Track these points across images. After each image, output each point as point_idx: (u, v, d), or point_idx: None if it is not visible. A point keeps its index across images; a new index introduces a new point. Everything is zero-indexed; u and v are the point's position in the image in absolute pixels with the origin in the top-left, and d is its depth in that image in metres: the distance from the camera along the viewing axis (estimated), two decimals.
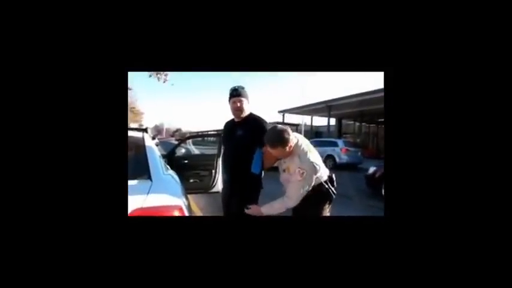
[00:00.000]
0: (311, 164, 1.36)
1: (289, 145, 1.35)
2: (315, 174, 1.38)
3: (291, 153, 1.40)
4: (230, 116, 1.72)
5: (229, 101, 1.63)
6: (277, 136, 1.34)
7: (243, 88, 1.62)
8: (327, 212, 1.50)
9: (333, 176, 1.52)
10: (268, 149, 1.40)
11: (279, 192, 1.49)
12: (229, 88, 1.63)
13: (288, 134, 1.34)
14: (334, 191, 1.48)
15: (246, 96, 1.61)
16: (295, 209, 1.46)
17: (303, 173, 1.33)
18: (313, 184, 1.39)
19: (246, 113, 1.62)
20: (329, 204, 1.50)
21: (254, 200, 1.55)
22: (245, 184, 1.57)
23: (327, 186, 1.45)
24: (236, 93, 1.59)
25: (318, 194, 1.42)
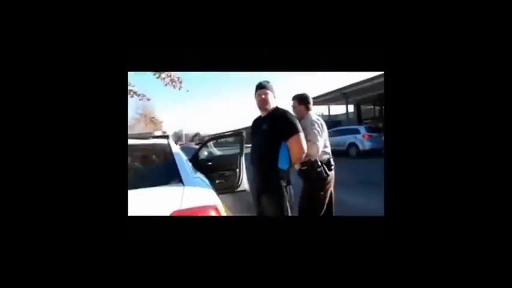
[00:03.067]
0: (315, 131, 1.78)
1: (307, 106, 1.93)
2: (316, 143, 1.73)
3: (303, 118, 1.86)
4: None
5: (255, 95, 1.64)
6: (305, 96, 1.95)
7: (268, 82, 1.64)
8: (326, 193, 1.76)
9: (332, 161, 1.91)
10: (295, 105, 1.93)
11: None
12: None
13: (311, 102, 1.97)
14: (327, 172, 1.80)
15: (271, 89, 1.62)
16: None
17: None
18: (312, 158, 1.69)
19: (271, 106, 1.61)
20: (325, 185, 1.76)
21: (283, 197, 1.51)
22: (272, 180, 1.53)
23: (321, 165, 1.75)
24: (261, 86, 1.62)
25: (312, 171, 1.73)
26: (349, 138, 8.83)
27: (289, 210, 1.50)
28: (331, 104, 17.53)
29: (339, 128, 10.66)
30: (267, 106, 1.61)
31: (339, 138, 9.28)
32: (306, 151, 1.52)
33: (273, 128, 1.54)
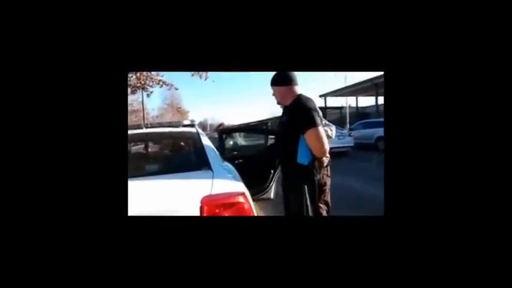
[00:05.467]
0: None
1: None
2: None
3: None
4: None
5: None
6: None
7: (279, 74, 1.49)
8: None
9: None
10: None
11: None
12: None
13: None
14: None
15: (279, 83, 1.49)
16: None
17: None
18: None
19: (289, 99, 1.49)
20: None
21: (302, 194, 1.40)
22: (292, 176, 1.45)
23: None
24: (271, 82, 1.50)
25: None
26: (378, 132, 8.41)
27: (309, 208, 1.40)
28: (360, 95, 16.81)
29: (368, 120, 10.21)
30: (284, 100, 1.51)
31: (366, 131, 8.92)
32: (325, 146, 1.38)
33: (291, 120, 1.44)
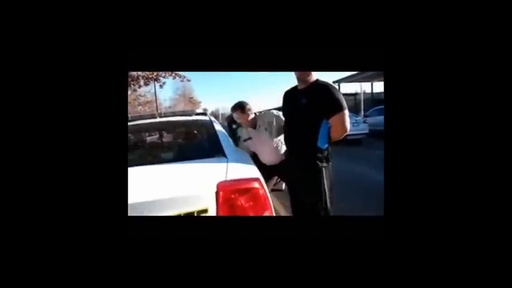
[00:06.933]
0: None
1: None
2: None
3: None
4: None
5: None
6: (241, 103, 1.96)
7: None
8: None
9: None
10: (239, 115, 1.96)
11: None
12: None
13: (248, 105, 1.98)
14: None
15: None
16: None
17: None
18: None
19: (312, 77, 1.45)
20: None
21: (321, 180, 1.39)
22: (310, 162, 1.41)
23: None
24: None
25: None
26: None
27: (327, 194, 1.40)
28: (375, 81, 16.25)
29: (383, 106, 9.92)
30: (308, 78, 1.43)
31: (382, 118, 8.67)
32: (348, 130, 1.38)
33: (314, 104, 1.38)
